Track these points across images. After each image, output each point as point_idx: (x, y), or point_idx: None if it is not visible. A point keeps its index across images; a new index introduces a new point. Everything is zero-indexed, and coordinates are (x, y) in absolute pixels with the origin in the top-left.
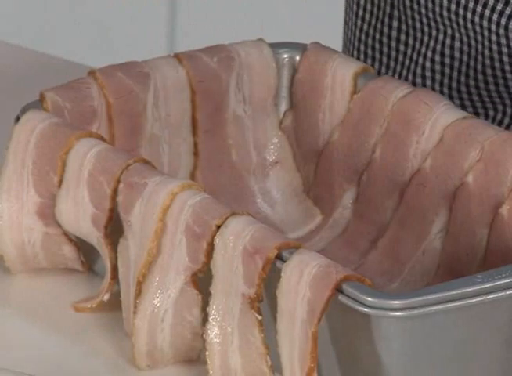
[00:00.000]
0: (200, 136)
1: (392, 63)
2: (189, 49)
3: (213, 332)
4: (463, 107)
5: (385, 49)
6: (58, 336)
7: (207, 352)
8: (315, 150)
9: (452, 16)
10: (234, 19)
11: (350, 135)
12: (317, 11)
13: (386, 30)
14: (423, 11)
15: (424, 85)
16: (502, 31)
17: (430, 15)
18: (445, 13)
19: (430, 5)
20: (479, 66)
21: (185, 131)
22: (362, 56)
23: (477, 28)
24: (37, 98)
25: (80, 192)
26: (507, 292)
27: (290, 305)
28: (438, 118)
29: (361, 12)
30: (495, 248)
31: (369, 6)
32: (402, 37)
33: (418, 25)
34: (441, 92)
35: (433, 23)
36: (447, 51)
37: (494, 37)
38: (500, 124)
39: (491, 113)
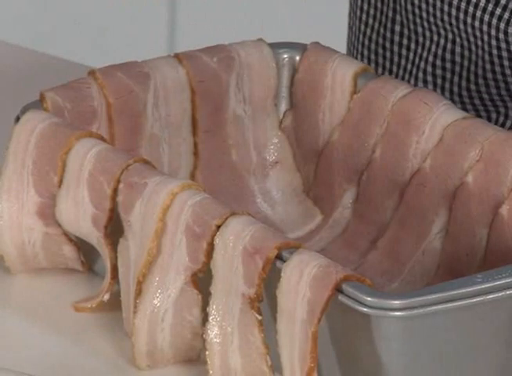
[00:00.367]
0: (200, 136)
1: (395, 68)
2: (189, 49)
3: (213, 332)
4: (465, 111)
5: (388, 54)
6: (58, 336)
7: (207, 352)
8: (315, 150)
9: (453, 21)
10: (234, 19)
11: (350, 135)
12: (317, 11)
13: (389, 34)
14: (424, 16)
15: None
16: (501, 36)
17: (432, 19)
18: (445, 18)
19: (431, 9)
20: (480, 71)
21: (185, 131)
22: (365, 61)
23: (477, 33)
24: (37, 98)
25: (80, 192)
26: (507, 292)
27: (290, 305)
28: (437, 118)
29: (364, 17)
30: (495, 248)
31: (372, 11)
32: (404, 41)
33: (420, 30)
34: None
35: (434, 28)
36: (448, 56)
37: (494, 42)
38: (503, 126)
39: (493, 115)
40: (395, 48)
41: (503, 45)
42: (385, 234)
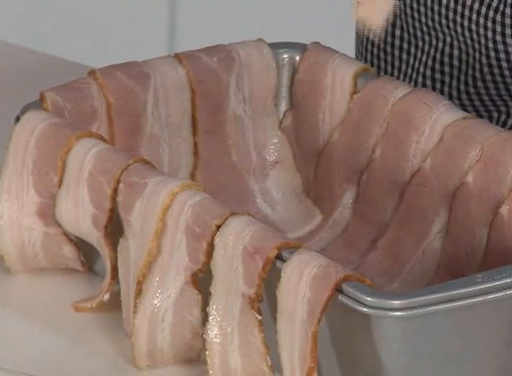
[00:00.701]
0: (200, 136)
1: (396, 72)
2: (189, 49)
3: (213, 332)
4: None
5: (389, 58)
6: (58, 336)
7: (207, 352)
8: (315, 150)
9: (450, 24)
10: (234, 19)
11: (350, 135)
12: (317, 11)
13: (389, 39)
14: (423, 19)
15: None
16: (499, 38)
17: (430, 23)
18: (443, 21)
19: (429, 13)
20: (477, 74)
21: (185, 131)
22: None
23: (474, 36)
24: (37, 98)
25: (80, 192)
26: (507, 292)
27: (290, 305)
28: (437, 118)
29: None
30: (495, 248)
31: None
32: (404, 45)
33: (419, 34)
34: None
35: (433, 32)
36: (446, 59)
37: (491, 44)
38: (504, 125)
39: (494, 115)
40: (396, 53)
41: (501, 47)
42: (385, 234)
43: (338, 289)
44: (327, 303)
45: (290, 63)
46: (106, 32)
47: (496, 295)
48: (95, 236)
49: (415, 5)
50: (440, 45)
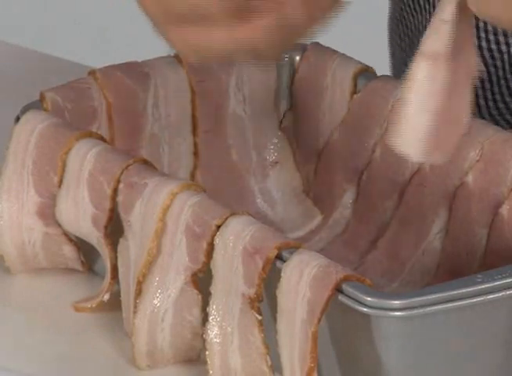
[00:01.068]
0: (200, 136)
1: None
2: None
3: (213, 332)
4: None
5: None
6: (58, 336)
7: (207, 352)
8: (315, 150)
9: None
10: None
11: (350, 135)
12: None
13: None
14: None
15: None
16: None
17: None
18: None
19: None
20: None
21: (185, 131)
22: None
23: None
24: (37, 98)
25: (80, 192)
26: (507, 292)
27: (290, 305)
28: None
29: (398, 41)
30: (495, 248)
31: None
32: None
33: None
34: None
35: None
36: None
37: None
38: None
39: None
40: None
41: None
42: (385, 234)
43: (338, 289)
44: (327, 303)
45: (290, 63)
46: (106, 32)
47: (496, 295)
48: (95, 236)
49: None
50: None
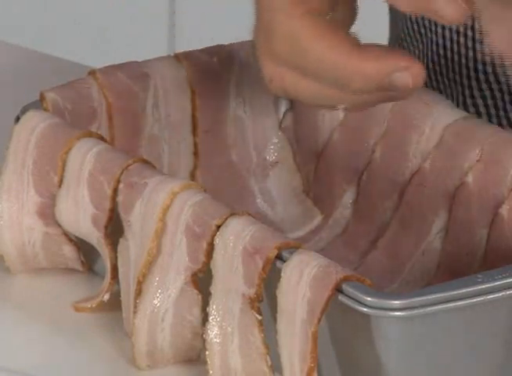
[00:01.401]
0: (200, 136)
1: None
2: (189, 49)
3: (213, 332)
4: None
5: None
6: (58, 336)
7: (207, 352)
8: (315, 150)
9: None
10: (234, 19)
11: (350, 135)
12: None
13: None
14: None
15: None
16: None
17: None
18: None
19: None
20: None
21: (185, 131)
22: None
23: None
24: (37, 98)
25: (80, 192)
26: (507, 292)
27: (290, 305)
28: (437, 118)
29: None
30: (495, 248)
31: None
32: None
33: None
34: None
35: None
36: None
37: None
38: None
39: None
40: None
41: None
42: (385, 234)
43: (338, 289)
44: (327, 303)
45: None
46: (106, 32)
47: (496, 295)
48: (95, 236)
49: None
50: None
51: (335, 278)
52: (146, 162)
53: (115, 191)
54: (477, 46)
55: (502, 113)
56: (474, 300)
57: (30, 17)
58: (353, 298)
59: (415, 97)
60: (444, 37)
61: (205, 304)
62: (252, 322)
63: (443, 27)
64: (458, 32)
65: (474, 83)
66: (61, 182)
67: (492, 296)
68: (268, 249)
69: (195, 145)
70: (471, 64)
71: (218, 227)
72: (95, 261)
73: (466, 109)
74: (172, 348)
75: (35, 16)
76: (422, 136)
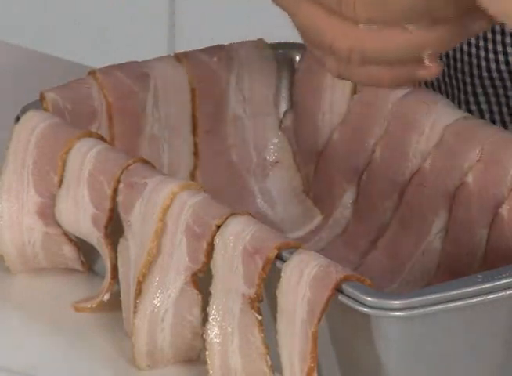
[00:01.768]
0: (200, 136)
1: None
2: (189, 49)
3: (213, 332)
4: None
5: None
6: (58, 336)
7: (207, 352)
8: (315, 150)
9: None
10: (234, 19)
11: (350, 135)
12: None
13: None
14: None
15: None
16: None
17: None
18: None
19: None
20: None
21: (185, 131)
22: None
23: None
24: (37, 98)
25: (80, 192)
26: (507, 292)
27: (290, 305)
28: (437, 118)
29: None
30: (495, 248)
31: None
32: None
33: None
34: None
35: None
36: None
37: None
38: None
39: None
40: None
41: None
42: (385, 234)
43: (338, 289)
44: (327, 303)
45: (290, 63)
46: (106, 32)
47: (496, 295)
48: (95, 236)
49: None
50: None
51: (335, 278)
52: (146, 162)
53: (115, 191)
54: (481, 43)
55: (505, 109)
56: (474, 300)
57: (30, 17)
58: (353, 298)
59: (415, 97)
60: None
61: (205, 304)
62: (252, 322)
63: None
64: None
65: (477, 81)
66: (61, 182)
67: (492, 296)
68: (268, 249)
69: (195, 145)
70: (474, 61)
71: (218, 227)
72: (95, 261)
73: (467, 106)
74: (172, 348)
75: (35, 16)
76: (422, 136)
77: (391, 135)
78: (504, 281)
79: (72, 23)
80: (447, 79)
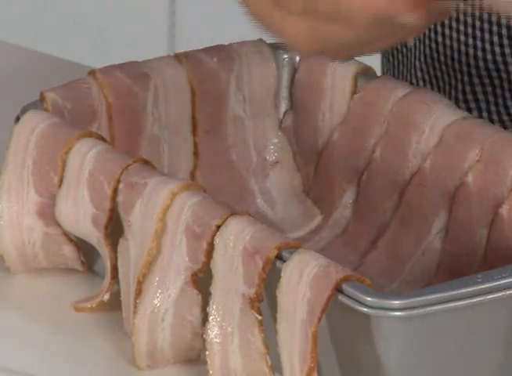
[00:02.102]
0: (200, 136)
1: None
2: (189, 49)
3: (213, 332)
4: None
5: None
6: (58, 336)
7: (207, 352)
8: (315, 150)
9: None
10: (234, 19)
11: (350, 135)
12: None
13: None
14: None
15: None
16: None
17: None
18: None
19: None
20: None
21: (185, 131)
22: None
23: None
24: (37, 98)
25: (80, 192)
26: (507, 292)
27: (290, 305)
28: (437, 118)
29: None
30: (495, 248)
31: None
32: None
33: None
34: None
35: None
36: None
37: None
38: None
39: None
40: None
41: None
42: (385, 234)
43: (338, 289)
44: (327, 303)
45: (290, 63)
46: (106, 32)
47: (496, 295)
48: (95, 236)
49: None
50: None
51: (335, 278)
52: (146, 162)
53: (115, 191)
54: (477, 33)
55: (500, 101)
56: (474, 300)
57: (30, 17)
58: (353, 298)
59: (415, 97)
60: (443, 24)
61: (205, 304)
62: (252, 322)
63: None
64: (458, 20)
65: (473, 71)
66: (61, 182)
67: (491, 296)
68: (268, 249)
69: (195, 145)
70: (471, 51)
71: (218, 227)
72: (95, 261)
73: (465, 98)
74: (172, 348)
75: (35, 16)
76: (422, 136)
77: (391, 135)
78: (504, 281)
79: (72, 23)
80: (444, 67)
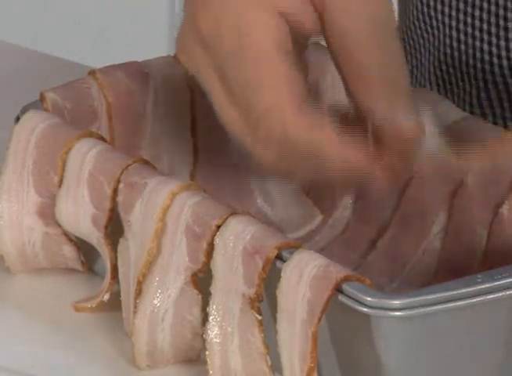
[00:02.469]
0: (199, 136)
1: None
2: None
3: (213, 332)
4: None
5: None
6: (58, 336)
7: (207, 352)
8: None
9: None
10: None
11: None
12: None
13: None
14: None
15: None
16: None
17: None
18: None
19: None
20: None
21: (185, 131)
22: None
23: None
24: (37, 98)
25: (80, 192)
26: (507, 292)
27: (290, 305)
28: (437, 118)
29: None
30: (495, 248)
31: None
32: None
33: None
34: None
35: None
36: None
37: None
38: None
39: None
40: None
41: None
42: (385, 234)
43: (338, 289)
44: (327, 303)
45: None
46: (106, 32)
47: (496, 295)
48: (95, 236)
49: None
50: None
51: (335, 278)
52: (146, 162)
53: (115, 191)
54: (493, 40)
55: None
56: (474, 300)
57: (30, 17)
58: (353, 298)
59: (415, 97)
60: (458, 30)
61: (205, 304)
62: (252, 322)
63: (457, 20)
64: (473, 26)
65: (488, 77)
66: (61, 182)
67: (491, 296)
68: (268, 249)
69: (195, 145)
70: (486, 57)
71: (218, 227)
72: (95, 261)
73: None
74: (172, 348)
75: (35, 16)
76: None
77: None
78: (504, 281)
79: (72, 23)
80: (458, 74)
